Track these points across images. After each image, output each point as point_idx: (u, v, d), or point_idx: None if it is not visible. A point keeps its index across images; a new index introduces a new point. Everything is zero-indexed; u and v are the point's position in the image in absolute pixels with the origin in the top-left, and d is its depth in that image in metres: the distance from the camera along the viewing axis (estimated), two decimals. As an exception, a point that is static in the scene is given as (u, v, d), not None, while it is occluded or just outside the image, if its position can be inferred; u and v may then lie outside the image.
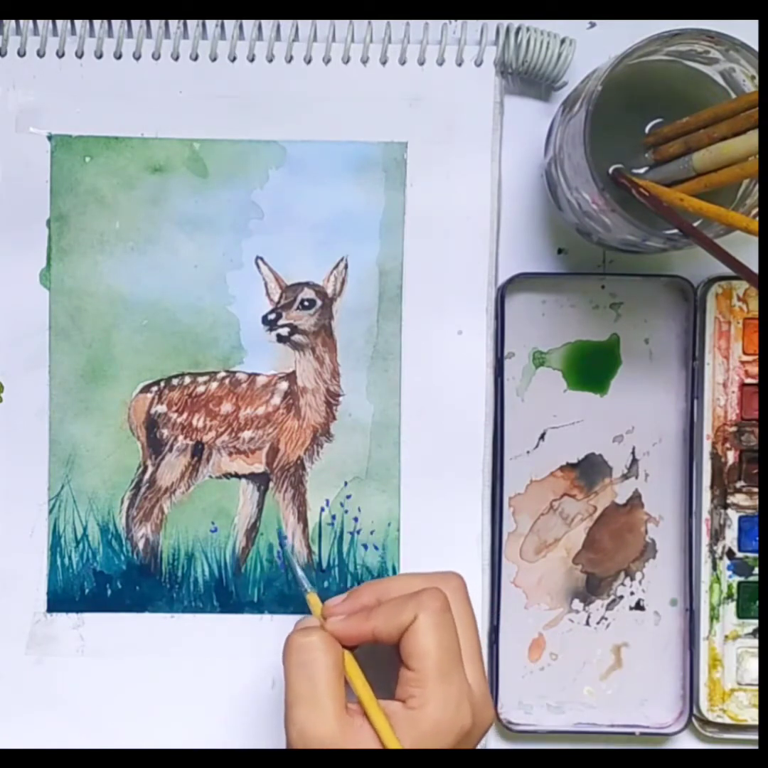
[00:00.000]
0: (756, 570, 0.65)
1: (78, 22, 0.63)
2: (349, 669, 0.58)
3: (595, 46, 0.63)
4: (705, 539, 0.65)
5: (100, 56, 0.63)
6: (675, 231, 0.57)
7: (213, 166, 0.64)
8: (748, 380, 0.65)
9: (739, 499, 0.65)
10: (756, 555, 0.65)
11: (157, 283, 0.64)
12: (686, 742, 0.66)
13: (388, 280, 0.64)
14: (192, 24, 0.63)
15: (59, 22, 0.63)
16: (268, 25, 0.63)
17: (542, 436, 0.65)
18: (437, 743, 0.56)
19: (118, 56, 0.63)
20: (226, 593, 0.65)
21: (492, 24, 0.63)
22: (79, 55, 0.63)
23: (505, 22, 0.63)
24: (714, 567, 0.65)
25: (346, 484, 0.65)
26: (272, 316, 0.64)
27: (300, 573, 0.62)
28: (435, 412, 0.64)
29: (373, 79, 0.63)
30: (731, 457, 0.65)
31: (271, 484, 0.65)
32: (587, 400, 0.65)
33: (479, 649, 0.59)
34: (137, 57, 0.63)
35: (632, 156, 0.60)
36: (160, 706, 0.64)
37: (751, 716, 0.65)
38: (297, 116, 0.63)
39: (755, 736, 0.65)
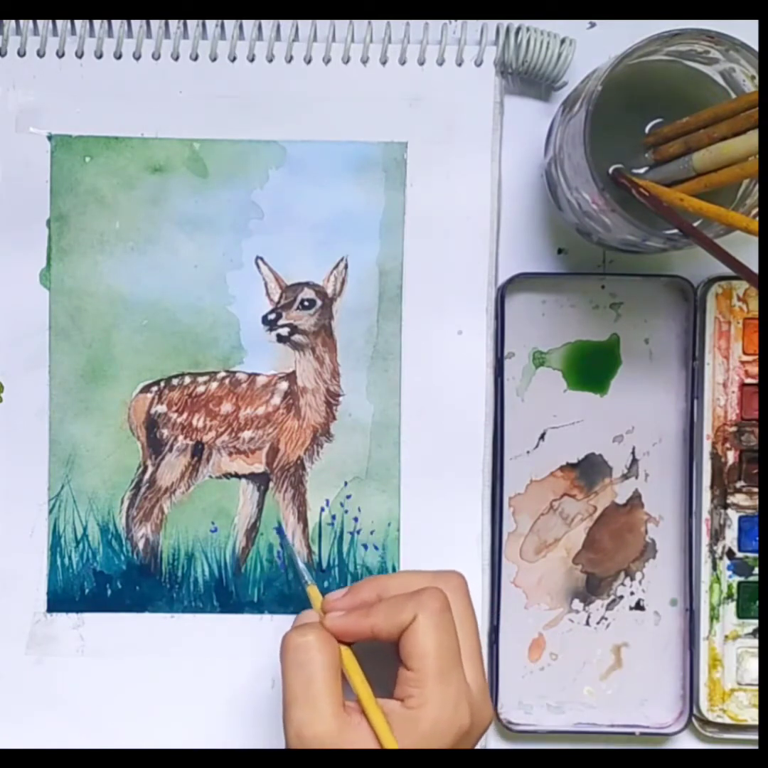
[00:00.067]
0: (756, 570, 0.65)
1: (78, 22, 0.63)
2: (348, 665, 0.58)
3: (595, 46, 0.63)
4: (705, 539, 0.65)
5: (100, 56, 0.63)
6: (675, 231, 0.57)
7: (213, 166, 0.64)
8: (748, 380, 0.65)
9: (739, 499, 0.65)
10: (756, 555, 0.65)
11: (157, 283, 0.64)
12: (686, 742, 0.66)
13: (388, 280, 0.64)
14: (192, 24, 0.63)
15: (59, 22, 0.63)
16: (268, 25, 0.63)
17: (542, 436, 0.65)
18: (435, 743, 0.56)
19: (118, 56, 0.63)
20: (226, 593, 0.65)
21: (492, 24, 0.63)
22: (79, 55, 0.63)
23: (505, 22, 0.63)
24: (714, 567, 0.65)
25: (346, 484, 0.65)
26: (272, 316, 0.64)
27: (301, 565, 0.62)
28: (435, 412, 0.64)
29: (373, 79, 0.63)
30: (731, 457, 0.65)
31: (271, 484, 0.65)
32: (587, 400, 0.65)
33: (479, 649, 0.59)
34: (137, 57, 0.63)
35: (632, 156, 0.60)
36: (160, 706, 0.64)
37: (751, 716, 0.65)
38: (297, 116, 0.63)
39: (755, 736, 0.65)
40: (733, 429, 0.65)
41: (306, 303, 0.64)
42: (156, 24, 0.63)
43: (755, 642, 0.65)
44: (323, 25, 0.63)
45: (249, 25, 0.63)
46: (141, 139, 0.64)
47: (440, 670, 0.56)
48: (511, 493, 0.65)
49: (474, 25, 0.63)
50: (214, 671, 0.64)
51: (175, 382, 0.64)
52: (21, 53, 0.63)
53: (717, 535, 0.65)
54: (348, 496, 0.65)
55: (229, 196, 0.64)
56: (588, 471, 0.66)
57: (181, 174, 0.64)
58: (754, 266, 0.55)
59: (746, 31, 0.58)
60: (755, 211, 0.58)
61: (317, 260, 0.64)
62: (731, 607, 0.65)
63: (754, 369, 0.65)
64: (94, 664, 0.64)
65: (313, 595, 0.61)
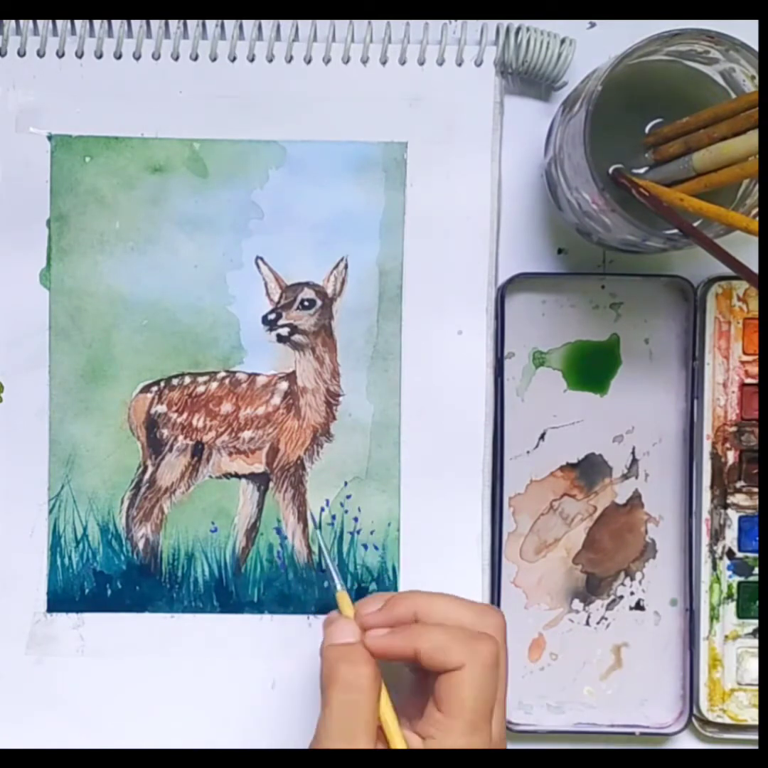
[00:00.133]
0: (756, 570, 0.65)
1: (78, 22, 0.63)
2: (384, 706, 0.56)
3: (595, 46, 0.63)
4: (705, 539, 0.65)
5: (100, 56, 0.63)
6: (675, 231, 0.57)
7: (213, 166, 0.64)
8: (748, 380, 0.65)
9: (739, 499, 0.65)
10: (756, 555, 0.65)
11: (157, 283, 0.64)
12: (686, 742, 0.66)
13: (388, 280, 0.64)
14: (192, 24, 0.63)
15: (59, 22, 0.63)
16: (268, 25, 0.63)
17: (542, 436, 0.65)
18: None
19: (118, 56, 0.63)
20: (226, 593, 0.65)
21: (492, 24, 0.63)
22: (79, 55, 0.63)
23: (505, 22, 0.63)
24: (714, 567, 0.65)
25: (346, 484, 0.65)
26: (272, 316, 0.64)
27: (333, 568, 0.60)
28: (435, 412, 0.64)
29: (373, 79, 0.63)
30: (731, 457, 0.65)
31: (271, 484, 0.65)
32: (587, 400, 0.65)
33: (505, 699, 0.57)
34: (137, 57, 0.63)
35: (632, 156, 0.60)
36: (160, 706, 0.64)
37: (751, 716, 0.65)
38: (297, 116, 0.63)
39: (755, 736, 0.65)
40: (733, 429, 0.65)
41: (306, 303, 0.64)
42: (156, 24, 0.63)
43: (755, 642, 0.65)
44: (323, 25, 0.63)
45: (249, 25, 0.63)
46: (141, 139, 0.64)
47: (472, 723, 0.54)
48: (511, 493, 0.65)
49: (474, 25, 0.63)
50: (214, 671, 0.64)
51: (175, 382, 0.64)
52: (21, 53, 0.63)
53: (717, 535, 0.65)
54: (348, 496, 0.65)
55: (229, 196, 0.64)
56: (588, 471, 0.66)
57: (181, 174, 0.64)
58: (754, 266, 0.55)
59: (746, 31, 0.58)
60: (755, 211, 0.58)
61: (317, 260, 0.64)
62: (731, 607, 0.65)
63: (754, 369, 0.65)
64: (94, 664, 0.64)
65: (344, 601, 0.59)
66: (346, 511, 0.65)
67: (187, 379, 0.64)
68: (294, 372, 0.65)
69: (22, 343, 0.64)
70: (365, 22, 0.63)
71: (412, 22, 0.63)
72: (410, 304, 0.64)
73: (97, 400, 0.64)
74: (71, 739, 0.64)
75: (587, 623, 0.66)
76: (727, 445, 0.65)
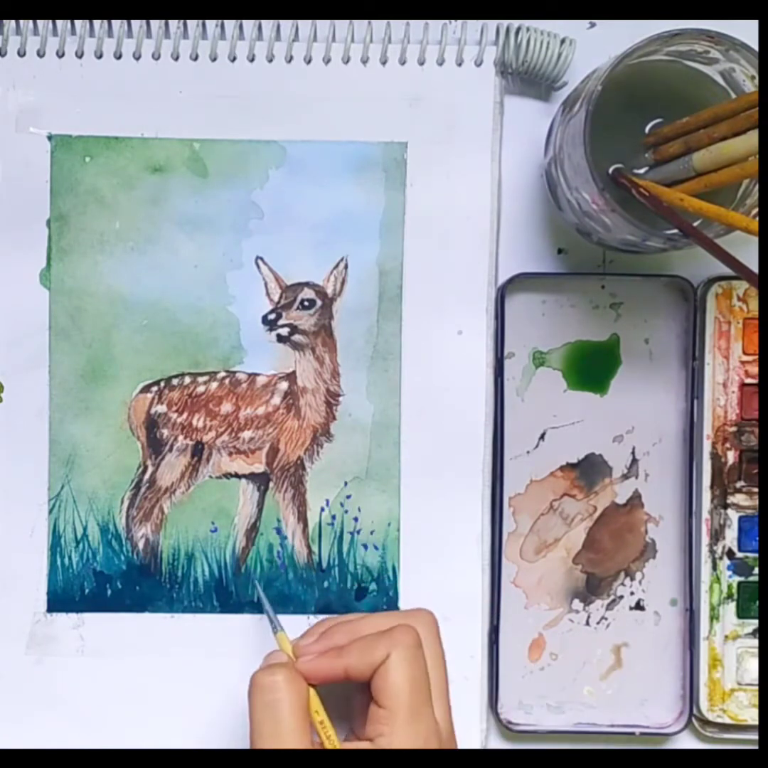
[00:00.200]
0: (756, 570, 0.65)
1: (78, 22, 0.63)
2: (312, 707, 0.58)
3: (595, 46, 0.63)
4: (705, 539, 0.65)
5: (100, 56, 0.63)
6: (675, 231, 0.57)
7: (213, 166, 0.64)
8: (748, 380, 0.65)
9: (739, 499, 0.65)
10: (756, 555, 0.65)
11: (157, 283, 0.64)
12: (686, 742, 0.66)
13: (388, 280, 0.64)
14: (192, 24, 0.63)
15: (59, 22, 0.63)
16: (268, 25, 0.63)
17: (542, 436, 0.65)
18: None
19: (118, 56, 0.63)
20: (226, 593, 0.65)
21: (492, 24, 0.63)
22: (79, 55, 0.63)
23: (505, 22, 0.63)
24: (714, 567, 0.65)
25: (346, 484, 0.65)
26: (272, 316, 0.64)
27: (271, 613, 0.61)
28: (435, 412, 0.64)
29: (373, 79, 0.63)
30: (731, 457, 0.65)
31: (271, 484, 0.65)
32: (587, 400, 0.65)
33: (447, 687, 0.59)
34: (137, 57, 0.63)
35: (632, 156, 0.60)
36: (160, 706, 0.64)
37: (751, 716, 0.65)
38: (297, 116, 0.63)
39: (755, 736, 0.65)
40: (733, 429, 0.65)
41: (306, 303, 0.64)
42: (156, 24, 0.63)
43: (755, 642, 0.65)
44: (323, 25, 0.63)
45: (249, 25, 0.63)
46: (141, 139, 0.64)
47: (411, 707, 0.56)
48: (511, 493, 0.65)
49: (474, 25, 0.63)
50: (214, 671, 0.64)
51: (175, 382, 0.64)
52: (21, 53, 0.63)
53: (717, 535, 0.65)
54: (348, 496, 0.65)
55: (229, 196, 0.64)
56: (588, 471, 0.66)
57: (181, 174, 0.64)
58: (754, 266, 0.55)
59: (746, 31, 0.58)
60: (755, 211, 0.58)
61: (317, 260, 0.64)
62: (731, 607, 0.65)
63: (754, 369, 0.65)
64: (94, 664, 0.64)
65: (283, 642, 0.60)
66: (346, 511, 0.65)
67: (187, 379, 0.64)
68: (294, 372, 0.65)
69: (22, 343, 0.64)
70: (365, 22, 0.63)
71: (412, 22, 0.63)
72: (410, 304, 0.64)
73: (97, 400, 0.64)
74: (71, 739, 0.64)
75: (587, 623, 0.66)
76: (727, 445, 0.65)
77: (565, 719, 0.66)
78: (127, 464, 0.64)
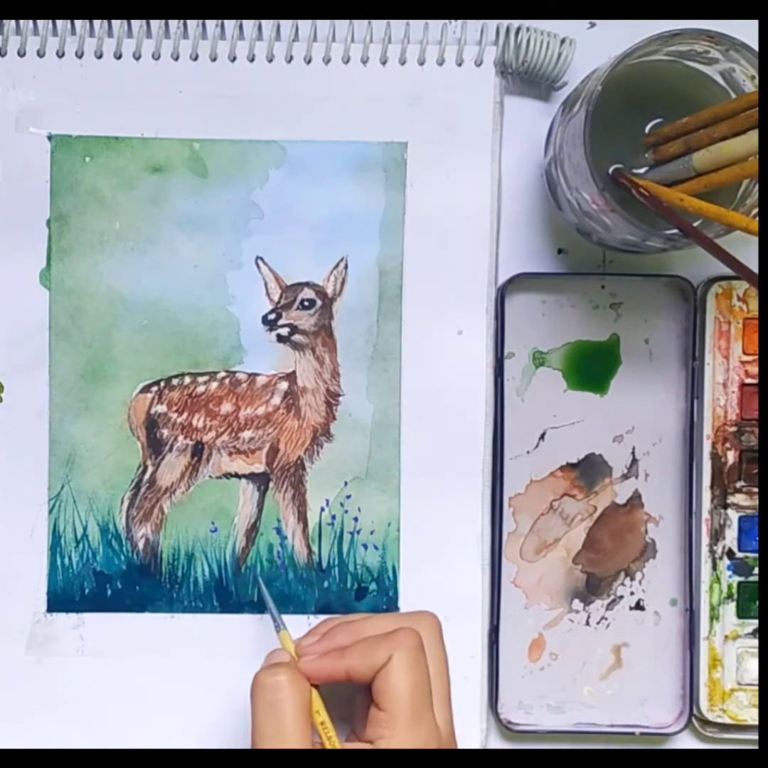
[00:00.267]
0: (756, 570, 0.65)
1: (78, 22, 0.63)
2: (314, 707, 0.58)
3: (595, 46, 0.63)
4: (705, 539, 0.65)
5: (100, 56, 0.63)
6: (675, 231, 0.57)
7: (213, 166, 0.64)
8: (748, 380, 0.65)
9: (739, 499, 0.65)
10: (756, 555, 0.65)
11: (157, 283, 0.64)
12: (686, 742, 0.66)
13: (388, 280, 0.64)
14: (192, 24, 0.63)
15: (59, 22, 0.63)
16: (268, 25, 0.63)
17: (542, 436, 0.65)
18: None
19: (118, 56, 0.63)
20: (226, 593, 0.65)
21: (492, 24, 0.63)
22: (79, 55, 0.63)
23: (505, 22, 0.63)
24: (714, 567, 0.65)
25: (346, 484, 0.65)
26: (272, 316, 0.64)
27: (274, 611, 0.61)
28: (435, 412, 0.64)
29: (373, 79, 0.63)
30: (731, 457, 0.65)
31: (271, 484, 0.65)
32: (587, 400, 0.65)
33: (449, 691, 0.59)
34: (137, 57, 0.63)
35: (632, 156, 0.60)
36: (160, 706, 0.64)
37: (751, 716, 0.65)
38: (297, 116, 0.63)
39: (755, 736, 0.65)
40: (733, 429, 0.65)
41: (306, 303, 0.64)
42: (156, 24, 0.63)
43: (755, 642, 0.65)
44: (323, 25, 0.63)
45: (249, 25, 0.63)
46: (141, 139, 0.64)
47: (412, 710, 0.56)
48: (511, 493, 0.65)
49: (474, 25, 0.63)
50: (214, 671, 0.64)
51: (175, 382, 0.64)
52: (21, 53, 0.63)
53: (717, 535, 0.65)
54: (348, 496, 0.65)
55: (229, 196, 0.64)
56: (588, 471, 0.66)
57: (181, 174, 0.64)
58: (754, 266, 0.55)
59: (746, 31, 0.58)
60: (755, 211, 0.58)
61: (317, 260, 0.64)
62: (731, 607, 0.65)
63: (754, 369, 0.65)
64: (94, 664, 0.64)
65: (285, 641, 0.60)
66: (346, 511, 0.65)
67: (187, 379, 0.64)
68: (294, 372, 0.65)
69: (22, 343, 0.64)
70: (365, 22, 0.63)
71: (412, 22, 0.63)
72: (410, 304, 0.64)
73: (97, 400, 0.64)
74: (71, 739, 0.64)
75: (587, 623, 0.66)
76: (727, 445, 0.65)
77: (565, 719, 0.66)
78: (127, 464, 0.64)
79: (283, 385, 0.65)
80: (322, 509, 0.65)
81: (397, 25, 0.63)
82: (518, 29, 0.63)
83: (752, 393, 0.65)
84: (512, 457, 0.65)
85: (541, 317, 0.65)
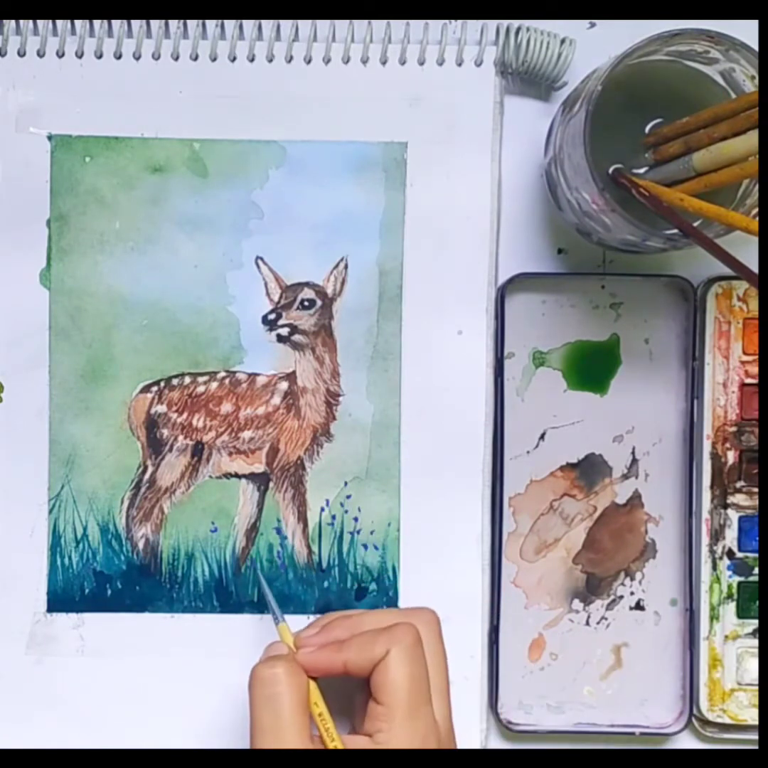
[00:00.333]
0: (756, 570, 0.65)
1: (78, 22, 0.63)
2: (312, 699, 0.58)
3: (595, 46, 0.63)
4: (705, 539, 0.65)
5: (100, 56, 0.63)
6: (675, 231, 0.57)
7: (213, 166, 0.64)
8: (748, 380, 0.65)
9: (739, 499, 0.65)
10: (756, 555, 0.65)
11: (157, 283, 0.64)
12: (686, 742, 0.66)
13: (388, 280, 0.64)
14: (192, 24, 0.63)
15: (59, 22, 0.63)
16: (268, 25, 0.63)
17: (542, 436, 0.65)
18: None
19: (118, 56, 0.63)
20: (226, 593, 0.65)
21: (492, 24, 0.63)
22: (79, 55, 0.63)
23: (505, 22, 0.63)
24: (714, 567, 0.65)
25: (346, 484, 0.65)
26: (272, 316, 0.64)
27: (273, 604, 0.61)
28: (435, 412, 0.64)
29: (373, 79, 0.63)
30: (731, 457, 0.65)
31: (271, 484, 0.65)
32: (587, 400, 0.65)
33: (448, 686, 0.59)
34: (137, 57, 0.63)
35: (632, 156, 0.60)
36: (160, 706, 0.64)
37: (751, 716, 0.65)
38: (297, 116, 0.63)
39: (755, 736, 0.65)
40: (733, 429, 0.65)
41: (306, 303, 0.64)
42: (156, 24, 0.63)
43: (755, 642, 0.65)
44: (323, 25, 0.63)
45: (249, 25, 0.63)
46: (141, 139, 0.64)
47: (410, 704, 0.56)
48: (511, 493, 0.65)
49: (474, 25, 0.63)
50: (214, 671, 0.64)
51: (175, 382, 0.64)
52: (21, 53, 0.63)
53: (717, 535, 0.65)
54: (348, 496, 0.65)
55: (229, 196, 0.64)
56: (588, 471, 0.66)
57: (181, 174, 0.64)
58: (754, 266, 0.55)
59: (746, 31, 0.58)
60: (755, 211, 0.58)
61: (317, 260, 0.64)
62: (731, 607, 0.65)
63: (754, 369, 0.65)
64: (94, 664, 0.64)
65: (284, 633, 0.60)
66: (346, 511, 0.65)
67: (187, 379, 0.64)
68: (294, 372, 0.65)
69: (22, 343, 0.64)
70: (365, 22, 0.63)
71: (412, 22, 0.63)
72: (410, 304, 0.64)
73: (97, 400, 0.64)
74: (71, 739, 0.64)
75: (587, 623, 0.66)
76: (727, 445, 0.65)
77: (565, 719, 0.66)
78: (127, 464, 0.64)
79: (283, 385, 0.65)
80: (322, 509, 0.65)
81: (397, 25, 0.63)
82: (518, 29, 0.63)
83: (752, 393, 0.65)
84: (512, 457, 0.65)
85: (541, 317, 0.65)
